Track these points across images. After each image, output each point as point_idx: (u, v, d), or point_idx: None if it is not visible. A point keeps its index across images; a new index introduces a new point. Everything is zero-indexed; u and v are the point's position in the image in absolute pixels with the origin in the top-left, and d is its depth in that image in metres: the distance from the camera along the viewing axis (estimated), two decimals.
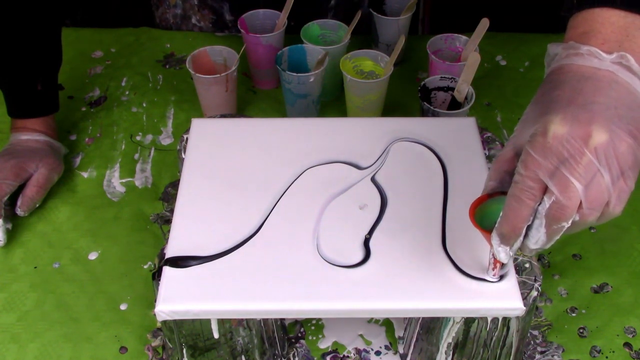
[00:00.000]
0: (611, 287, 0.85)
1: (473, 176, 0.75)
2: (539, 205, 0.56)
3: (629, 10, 0.57)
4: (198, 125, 0.82)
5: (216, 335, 0.68)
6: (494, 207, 0.60)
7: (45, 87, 0.97)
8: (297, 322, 0.82)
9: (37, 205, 0.93)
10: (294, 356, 0.79)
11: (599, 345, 0.79)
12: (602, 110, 0.54)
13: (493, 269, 0.65)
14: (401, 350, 0.79)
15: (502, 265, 0.64)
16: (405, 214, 0.72)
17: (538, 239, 0.57)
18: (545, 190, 0.55)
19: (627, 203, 0.97)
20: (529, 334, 0.80)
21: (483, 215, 0.61)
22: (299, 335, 0.81)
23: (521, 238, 0.58)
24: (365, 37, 1.17)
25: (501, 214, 0.58)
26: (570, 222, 0.55)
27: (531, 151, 0.55)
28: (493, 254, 0.62)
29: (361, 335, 0.81)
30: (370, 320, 0.82)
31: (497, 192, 0.60)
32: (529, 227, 0.57)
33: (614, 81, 0.56)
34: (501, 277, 0.66)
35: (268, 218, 0.71)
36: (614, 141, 0.53)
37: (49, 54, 0.97)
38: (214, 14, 1.23)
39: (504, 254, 0.59)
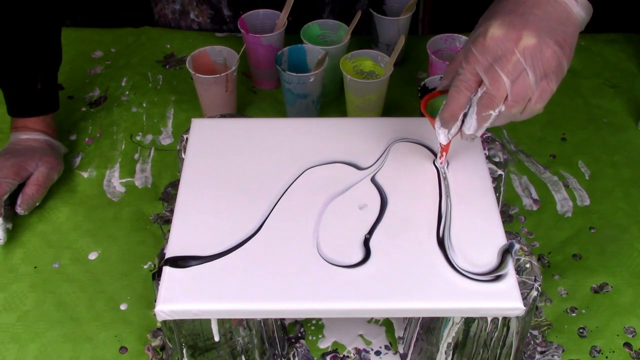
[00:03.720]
0: (611, 287, 0.85)
1: (473, 176, 0.75)
2: (474, 95, 0.66)
3: None
4: (198, 125, 0.82)
5: (217, 338, 0.68)
6: (443, 101, 0.70)
7: (45, 86, 0.97)
8: (297, 322, 0.82)
9: (37, 204, 0.93)
10: (294, 356, 0.79)
11: (599, 345, 0.79)
12: (536, 20, 0.63)
13: (440, 157, 0.75)
14: (401, 350, 0.79)
15: (447, 154, 0.75)
16: (406, 214, 0.72)
17: (471, 125, 0.67)
18: (480, 83, 0.65)
19: (627, 203, 0.98)
20: (529, 334, 0.80)
21: (435, 108, 0.72)
22: (299, 335, 0.81)
23: (458, 123, 0.68)
24: (365, 37, 1.17)
25: (444, 102, 0.68)
26: (497, 111, 0.65)
27: (473, 49, 0.65)
28: (440, 142, 0.73)
29: (361, 335, 0.81)
30: (370, 320, 0.82)
31: (447, 90, 0.70)
32: (465, 116, 0.68)
33: (554, 0, 0.65)
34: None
35: (268, 218, 0.71)
36: (541, 46, 0.62)
37: (49, 53, 0.97)
38: (212, 9, 1.23)
39: (443, 135, 0.70)
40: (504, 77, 0.63)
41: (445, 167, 0.76)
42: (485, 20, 0.66)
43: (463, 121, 0.68)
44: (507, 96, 0.64)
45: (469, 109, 0.67)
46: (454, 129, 0.69)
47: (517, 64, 0.63)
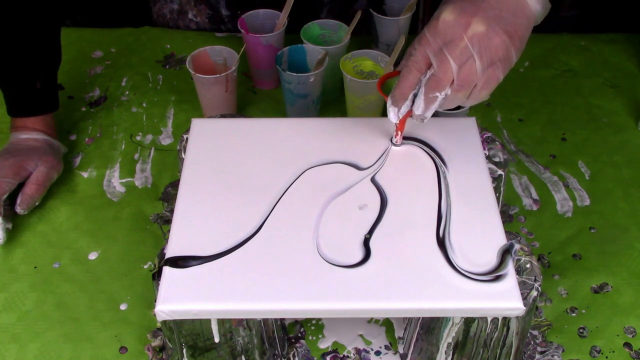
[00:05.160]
0: (611, 287, 0.85)
1: (473, 176, 0.75)
2: (424, 77, 0.68)
3: None
4: (198, 125, 0.82)
5: (217, 339, 0.68)
6: None
7: (44, 85, 0.97)
8: (297, 322, 0.82)
9: (37, 204, 0.93)
10: (294, 356, 0.79)
11: (599, 345, 0.79)
12: (487, 8, 0.64)
13: (395, 136, 0.78)
14: (401, 350, 0.79)
15: (402, 132, 0.77)
16: (405, 214, 0.72)
17: (419, 106, 0.69)
18: (430, 65, 0.67)
19: (627, 203, 0.98)
20: (529, 334, 0.80)
21: (390, 87, 0.73)
22: (299, 335, 0.81)
23: (408, 103, 0.70)
24: (365, 37, 1.17)
25: (396, 82, 0.70)
26: (443, 94, 0.67)
27: (426, 31, 0.67)
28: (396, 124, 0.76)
29: (361, 335, 0.81)
30: (370, 320, 0.82)
31: None
32: (416, 97, 0.69)
33: None
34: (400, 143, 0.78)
35: (268, 218, 0.71)
36: (489, 34, 0.64)
37: (49, 53, 0.97)
38: (210, 9, 1.24)
39: (393, 114, 0.72)
40: (451, 61, 0.65)
41: (400, 144, 0.78)
42: (443, 3, 0.67)
43: (414, 101, 0.70)
44: (454, 80, 0.66)
45: (418, 89, 0.69)
46: (404, 108, 0.71)
47: (465, 50, 0.64)
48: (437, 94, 0.67)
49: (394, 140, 0.78)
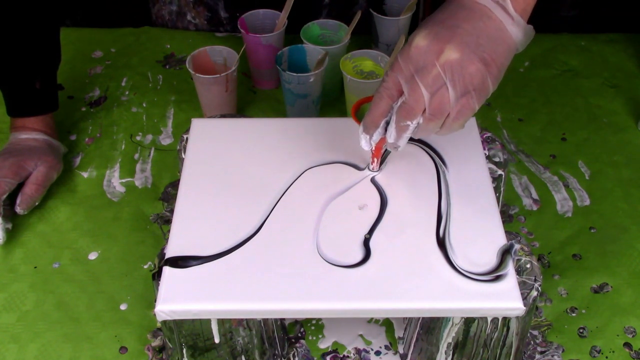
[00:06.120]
0: (611, 287, 0.85)
1: (473, 176, 0.75)
2: (396, 104, 0.64)
3: None
4: (198, 125, 0.82)
5: (217, 339, 0.68)
6: None
7: (44, 85, 0.97)
8: (297, 322, 0.82)
9: (37, 204, 0.93)
10: (294, 356, 0.79)
11: (599, 345, 0.79)
12: (462, 34, 0.60)
13: (372, 163, 0.74)
14: (401, 350, 0.79)
15: (378, 159, 0.74)
16: (405, 214, 0.72)
17: (391, 134, 0.66)
18: (402, 92, 0.63)
19: (627, 203, 0.98)
20: (529, 334, 0.80)
21: (364, 113, 0.70)
22: (299, 335, 0.81)
23: (380, 130, 0.67)
24: (365, 37, 1.17)
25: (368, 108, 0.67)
26: (415, 122, 0.63)
27: (398, 57, 0.63)
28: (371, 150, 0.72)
29: (361, 335, 0.81)
30: (370, 320, 0.82)
31: None
32: (388, 124, 0.66)
33: (487, 16, 0.62)
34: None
35: (268, 218, 0.71)
36: (463, 61, 0.60)
37: (48, 53, 0.97)
38: (209, 10, 1.24)
39: (364, 141, 0.69)
40: (423, 89, 0.61)
41: (377, 171, 0.75)
42: (418, 28, 0.64)
43: (387, 129, 0.66)
44: (426, 109, 0.62)
45: (390, 117, 0.65)
46: (376, 136, 0.67)
47: (437, 78, 0.60)
48: (409, 122, 0.63)
49: (371, 167, 0.75)
